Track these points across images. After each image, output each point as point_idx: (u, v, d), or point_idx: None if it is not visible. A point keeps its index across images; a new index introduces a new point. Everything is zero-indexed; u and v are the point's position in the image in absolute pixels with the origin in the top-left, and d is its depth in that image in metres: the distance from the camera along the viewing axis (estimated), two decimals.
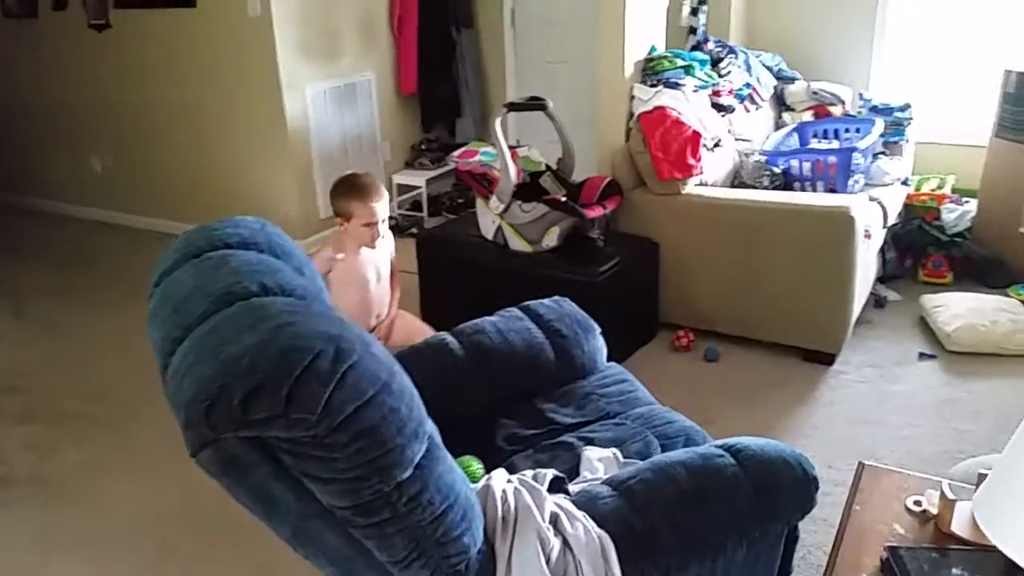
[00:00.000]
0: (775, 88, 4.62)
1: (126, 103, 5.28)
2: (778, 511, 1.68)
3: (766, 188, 3.78)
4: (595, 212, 3.37)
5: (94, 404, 3.39)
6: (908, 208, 4.29)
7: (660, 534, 1.58)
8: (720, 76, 4.12)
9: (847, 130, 4.23)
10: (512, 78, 5.63)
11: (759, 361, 3.43)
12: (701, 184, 3.62)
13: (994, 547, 1.10)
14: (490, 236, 3.54)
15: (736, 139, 4.10)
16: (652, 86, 3.71)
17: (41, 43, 5.53)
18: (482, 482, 1.63)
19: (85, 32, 5.21)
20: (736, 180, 3.94)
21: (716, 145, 3.83)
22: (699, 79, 3.89)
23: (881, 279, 3.95)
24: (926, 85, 4.74)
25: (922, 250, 4.12)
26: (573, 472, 1.91)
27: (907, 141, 4.38)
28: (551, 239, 3.40)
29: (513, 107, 3.63)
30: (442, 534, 1.37)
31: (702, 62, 4.03)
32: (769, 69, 4.61)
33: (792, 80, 4.69)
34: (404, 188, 5.55)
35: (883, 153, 4.22)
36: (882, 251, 3.89)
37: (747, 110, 4.28)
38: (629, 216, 3.61)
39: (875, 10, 4.74)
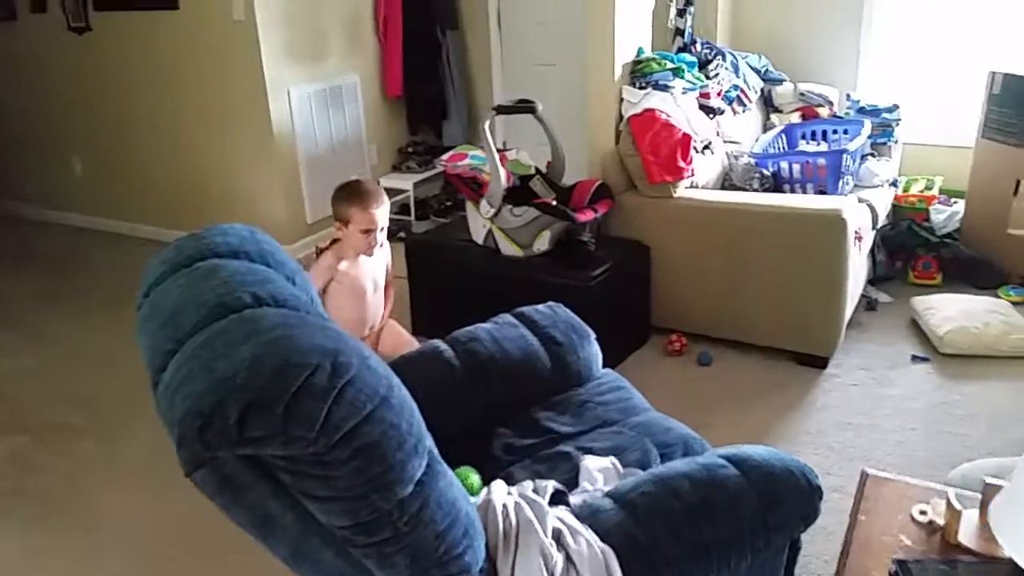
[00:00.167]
0: (763, 90, 4.60)
1: (107, 107, 5.20)
2: (782, 523, 1.65)
3: (756, 190, 3.77)
4: (586, 216, 3.34)
5: (79, 412, 3.33)
6: (896, 209, 4.30)
7: (663, 548, 1.55)
8: (708, 78, 4.10)
9: (835, 131, 4.22)
10: (499, 80, 5.58)
11: (752, 365, 3.41)
12: (692, 187, 3.59)
13: (1003, 558, 1.08)
14: (481, 240, 3.51)
15: (725, 141, 4.08)
16: (641, 88, 3.68)
17: (20, 46, 5.43)
18: (482, 496, 1.59)
19: (65, 35, 5.13)
20: (726, 182, 3.92)
21: (706, 147, 3.81)
22: (688, 81, 3.87)
23: (871, 281, 3.94)
24: (913, 86, 4.74)
25: (912, 251, 4.12)
26: (572, 482, 1.87)
27: (895, 142, 4.39)
28: (542, 243, 3.37)
29: (502, 110, 3.59)
30: (444, 552, 1.33)
31: (690, 64, 4.01)
32: (756, 71, 4.59)
33: (779, 82, 4.67)
34: (391, 192, 5.44)
35: (871, 154, 4.22)
36: (872, 253, 3.89)
37: (735, 112, 4.25)
38: (620, 219, 3.57)
39: (861, 11, 4.74)
